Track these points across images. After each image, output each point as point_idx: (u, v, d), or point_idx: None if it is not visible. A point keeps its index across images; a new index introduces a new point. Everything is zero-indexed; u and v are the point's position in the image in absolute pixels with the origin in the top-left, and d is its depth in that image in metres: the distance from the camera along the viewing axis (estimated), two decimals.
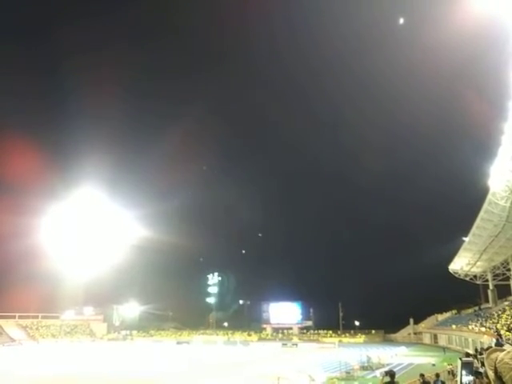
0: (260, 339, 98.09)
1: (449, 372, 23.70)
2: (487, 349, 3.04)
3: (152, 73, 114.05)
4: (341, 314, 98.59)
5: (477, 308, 78.69)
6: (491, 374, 2.19)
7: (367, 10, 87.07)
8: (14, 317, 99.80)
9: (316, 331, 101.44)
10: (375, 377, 37.82)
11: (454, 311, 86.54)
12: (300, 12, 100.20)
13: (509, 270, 71.17)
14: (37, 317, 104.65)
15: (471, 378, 6.51)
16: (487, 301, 78.14)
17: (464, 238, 66.44)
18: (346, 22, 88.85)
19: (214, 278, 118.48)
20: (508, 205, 47.64)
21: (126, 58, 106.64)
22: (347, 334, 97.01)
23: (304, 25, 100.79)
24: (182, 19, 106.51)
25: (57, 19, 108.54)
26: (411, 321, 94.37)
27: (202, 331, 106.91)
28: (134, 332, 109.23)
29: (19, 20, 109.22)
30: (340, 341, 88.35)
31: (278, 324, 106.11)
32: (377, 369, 42.34)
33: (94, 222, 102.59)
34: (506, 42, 41.72)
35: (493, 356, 2.21)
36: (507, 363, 2.11)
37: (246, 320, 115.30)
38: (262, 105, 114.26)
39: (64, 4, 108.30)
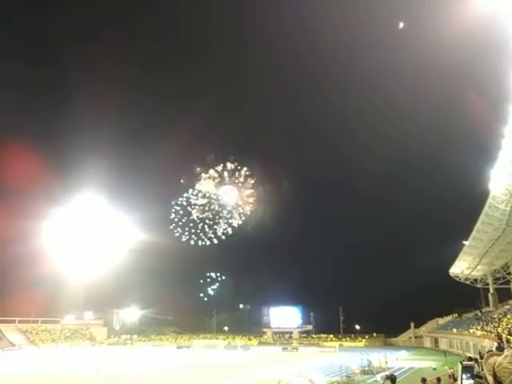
0: (260, 343, 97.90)
1: (450, 376, 23.62)
2: (488, 352, 3.02)
3: (152, 81, 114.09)
4: (341, 318, 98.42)
5: (477, 312, 78.53)
6: (490, 379, 2.16)
7: (366, 11, 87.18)
8: (14, 321, 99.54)
9: (316, 335, 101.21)
10: (376, 381, 37.74)
11: (454, 315, 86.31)
12: (298, 14, 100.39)
13: (509, 273, 71.11)
14: (37, 321, 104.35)
15: (472, 381, 6.47)
16: (488, 304, 78.02)
17: (464, 242, 66.39)
18: (345, 24, 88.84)
19: (214, 283, 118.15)
20: (508, 208, 47.63)
21: (128, 64, 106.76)
22: (348, 338, 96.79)
23: (302, 27, 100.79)
24: (184, 17, 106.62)
25: (56, 18, 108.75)
26: (412, 325, 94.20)
27: (202, 335, 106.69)
28: (134, 336, 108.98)
29: (17, 20, 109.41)
30: (341, 345, 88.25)
31: (279, 328, 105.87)
32: (378, 373, 42.20)
33: (95, 226, 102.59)
34: (506, 44, 41.80)
35: (491, 360, 2.19)
36: (506, 367, 2.09)
37: (247, 324, 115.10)
38: (261, 109, 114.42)
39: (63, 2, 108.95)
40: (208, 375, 44.79)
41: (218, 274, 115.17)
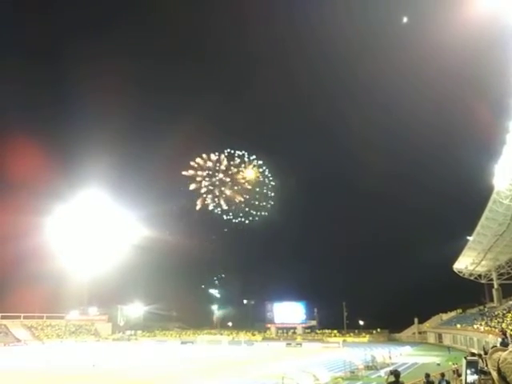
0: (264, 339, 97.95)
1: (454, 371, 23.61)
2: (492, 348, 3.03)
3: (155, 77, 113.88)
4: (345, 314, 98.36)
5: (482, 307, 78.42)
6: (495, 375, 2.16)
7: (369, 9, 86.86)
8: (19, 317, 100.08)
9: (320, 331, 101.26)
10: (380, 376, 37.77)
11: (458, 310, 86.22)
12: (302, 11, 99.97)
13: None
14: (42, 317, 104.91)
15: (476, 377, 6.53)
16: (492, 300, 77.90)
17: (468, 237, 66.27)
18: (347, 21, 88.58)
19: (218, 278, 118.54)
20: None
21: (132, 64, 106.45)
22: (351, 334, 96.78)
23: (305, 24, 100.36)
24: (185, 12, 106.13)
25: (57, 14, 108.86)
26: (416, 320, 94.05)
27: (206, 331, 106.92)
28: (139, 332, 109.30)
29: (18, 16, 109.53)
30: (344, 340, 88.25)
31: (283, 324, 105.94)
32: (381, 368, 42.23)
33: (99, 222, 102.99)
34: (508, 40, 41.63)
35: (495, 356, 2.20)
36: (511, 363, 2.09)
37: (250, 320, 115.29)
38: (263, 105, 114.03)
39: None
40: (212, 370, 44.96)
41: (222, 270, 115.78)
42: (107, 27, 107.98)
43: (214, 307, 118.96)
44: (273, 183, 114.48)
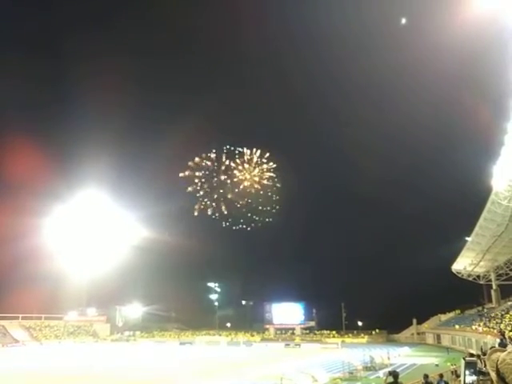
0: (263, 340, 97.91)
1: (452, 372, 23.60)
2: (491, 349, 3.03)
3: (155, 77, 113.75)
4: (344, 315, 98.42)
5: (480, 308, 78.50)
6: (493, 375, 2.17)
7: (367, 10, 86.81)
8: (17, 318, 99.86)
9: (319, 331, 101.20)
10: (378, 377, 37.73)
11: (457, 311, 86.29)
12: (298, 12, 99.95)
13: None
14: (40, 318, 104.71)
15: (475, 377, 6.52)
16: (490, 301, 77.99)
17: (467, 238, 66.34)
18: (344, 22, 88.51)
19: (216, 279, 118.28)
20: (511, 204, 47.58)
21: (131, 62, 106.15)
22: (350, 335, 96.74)
23: (301, 25, 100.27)
24: (184, 11, 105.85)
25: (56, 12, 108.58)
26: (414, 321, 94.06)
27: (205, 332, 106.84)
28: (137, 333, 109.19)
29: (18, 13, 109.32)
30: (343, 341, 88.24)
31: (281, 324, 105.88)
32: (380, 369, 42.21)
33: (98, 223, 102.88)
34: (507, 42, 41.71)
35: (494, 357, 2.20)
36: (509, 364, 2.10)
37: (249, 320, 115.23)
38: (262, 106, 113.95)
39: None
40: (210, 371, 44.90)
41: (221, 271, 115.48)
42: (107, 23, 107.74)
43: (214, 308, 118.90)
44: (278, 185, 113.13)
